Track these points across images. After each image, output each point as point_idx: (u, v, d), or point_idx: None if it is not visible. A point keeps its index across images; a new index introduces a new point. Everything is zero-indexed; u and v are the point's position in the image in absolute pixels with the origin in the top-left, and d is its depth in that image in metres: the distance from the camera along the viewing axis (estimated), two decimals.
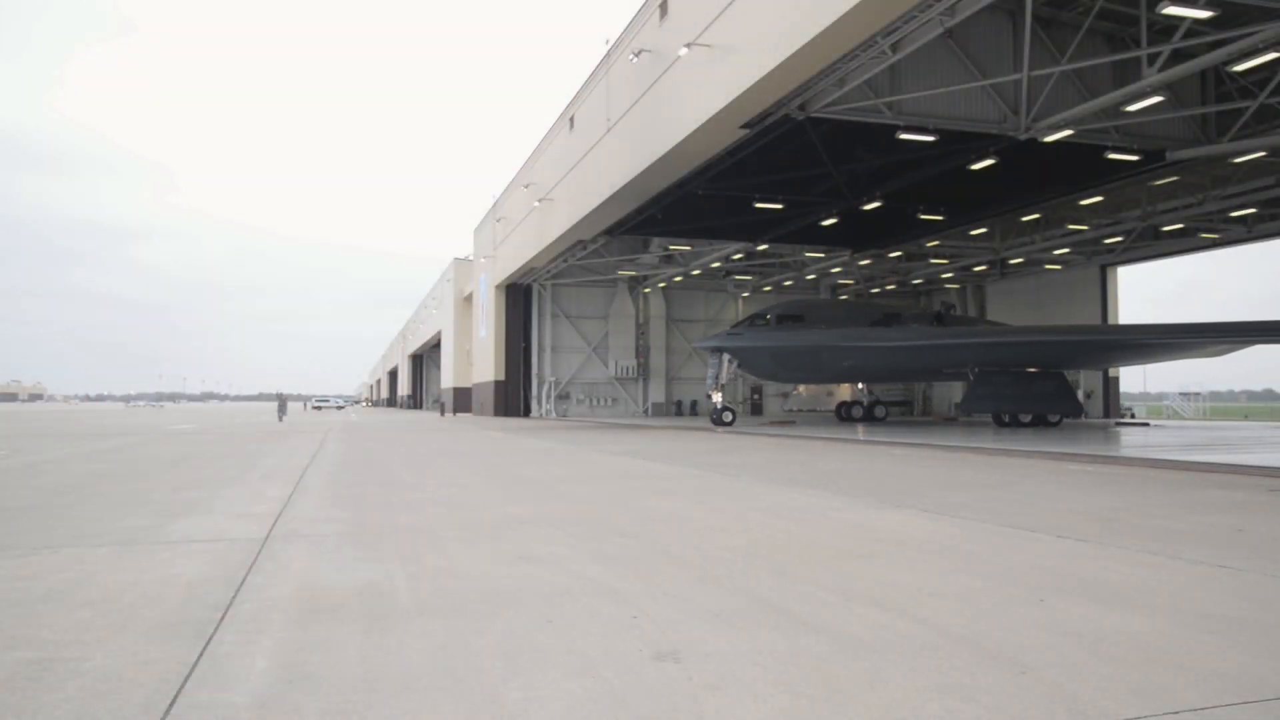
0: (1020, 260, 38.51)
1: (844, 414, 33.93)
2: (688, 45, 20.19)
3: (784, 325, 27.57)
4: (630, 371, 45.75)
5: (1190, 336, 25.90)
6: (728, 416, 27.63)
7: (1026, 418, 25.41)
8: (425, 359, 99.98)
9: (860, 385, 34.03)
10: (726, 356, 27.93)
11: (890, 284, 45.55)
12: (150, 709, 2.81)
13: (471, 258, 57.74)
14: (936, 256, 39.52)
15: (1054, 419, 25.84)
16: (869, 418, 33.36)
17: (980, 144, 21.56)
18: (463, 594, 4.37)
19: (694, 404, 46.94)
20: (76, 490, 9.36)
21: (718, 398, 27.97)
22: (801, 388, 40.97)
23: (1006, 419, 25.64)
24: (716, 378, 27.95)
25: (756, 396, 48.31)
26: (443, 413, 57.40)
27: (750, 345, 27.51)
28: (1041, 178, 25.55)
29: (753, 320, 28.23)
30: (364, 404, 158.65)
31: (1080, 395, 37.10)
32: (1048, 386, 25.80)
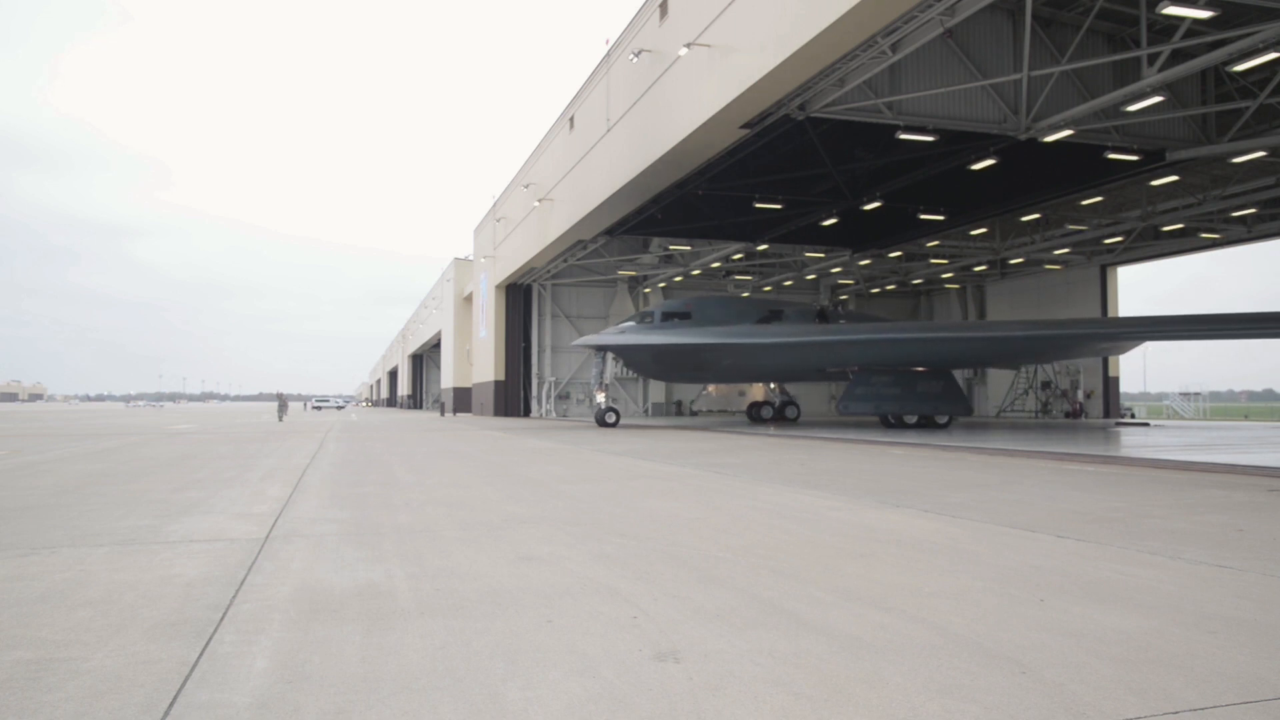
0: (1020, 260, 38.51)
1: (754, 414, 33.05)
2: (688, 45, 20.20)
3: (668, 323, 26.52)
4: (630, 371, 45.71)
5: (1077, 330, 25.76)
6: (610, 418, 26.95)
7: (912, 418, 24.37)
8: (425, 359, 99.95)
9: (772, 385, 33.07)
10: (610, 355, 27.13)
11: (890, 284, 45.55)
12: (150, 709, 2.81)
13: (471, 258, 57.74)
14: (936, 256, 39.51)
15: (941, 419, 24.84)
16: (780, 418, 32.40)
17: (980, 144, 21.56)
18: (463, 594, 4.38)
19: (694, 403, 46.99)
20: (76, 490, 9.36)
21: (601, 398, 27.25)
22: (711, 387, 40.21)
23: (892, 419, 24.62)
24: (600, 376, 27.32)
25: None
26: (443, 413, 57.34)
27: (631, 344, 26.42)
28: (1041, 178, 25.54)
29: (642, 317, 27.23)
30: (364, 404, 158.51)
31: (1080, 395, 37.14)
32: (933, 386, 24.72)
